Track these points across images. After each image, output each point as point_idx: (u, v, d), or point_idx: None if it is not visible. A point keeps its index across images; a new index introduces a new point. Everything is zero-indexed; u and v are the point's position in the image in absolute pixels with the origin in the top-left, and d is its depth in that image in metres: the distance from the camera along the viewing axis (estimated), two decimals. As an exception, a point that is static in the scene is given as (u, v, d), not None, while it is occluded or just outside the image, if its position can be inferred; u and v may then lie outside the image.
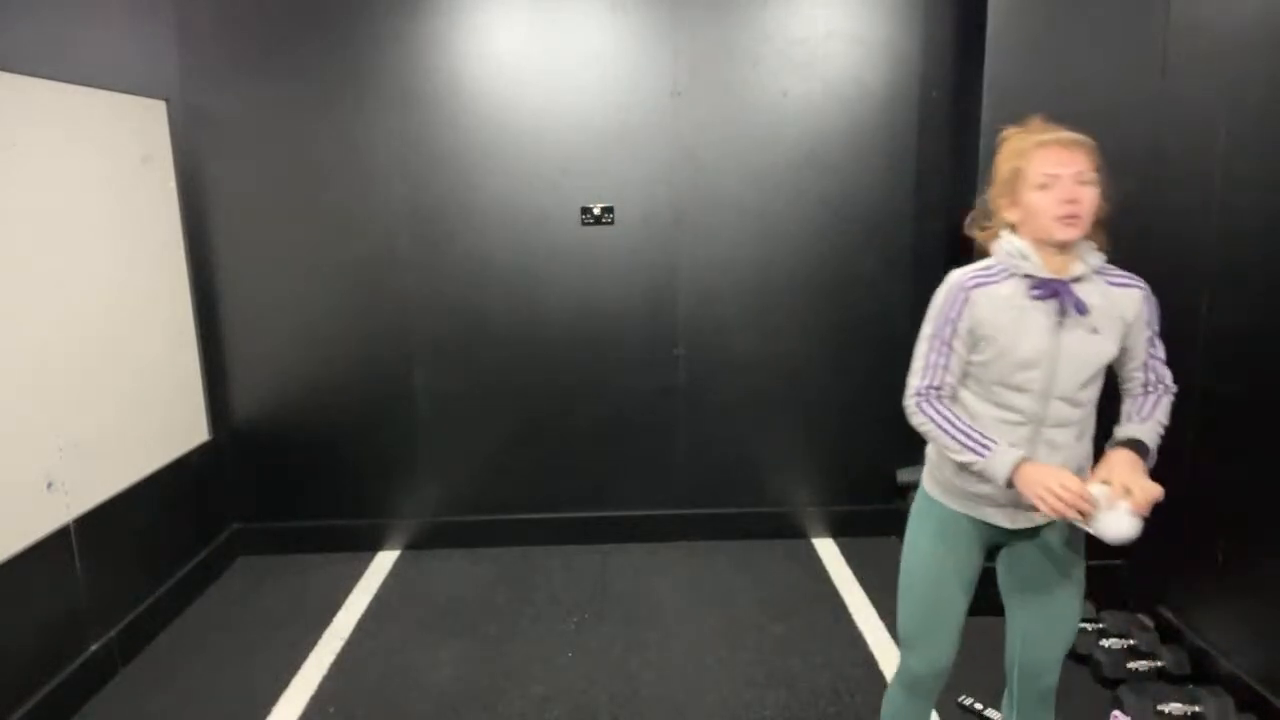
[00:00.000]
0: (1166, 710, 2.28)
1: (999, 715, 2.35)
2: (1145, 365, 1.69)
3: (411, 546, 3.55)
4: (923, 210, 3.32)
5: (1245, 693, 2.29)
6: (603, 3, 3.19)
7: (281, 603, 3.12)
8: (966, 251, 2.80)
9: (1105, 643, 2.59)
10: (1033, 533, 1.71)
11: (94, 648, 2.58)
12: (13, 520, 2.30)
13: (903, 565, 1.79)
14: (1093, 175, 1.56)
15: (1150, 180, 2.67)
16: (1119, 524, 1.45)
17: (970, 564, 1.75)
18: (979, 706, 2.39)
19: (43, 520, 2.41)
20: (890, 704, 1.88)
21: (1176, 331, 2.59)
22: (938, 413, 1.61)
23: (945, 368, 1.63)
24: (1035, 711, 1.82)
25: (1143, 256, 2.70)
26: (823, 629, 2.87)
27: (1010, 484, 1.53)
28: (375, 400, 3.42)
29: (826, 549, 3.49)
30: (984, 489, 1.64)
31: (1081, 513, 1.45)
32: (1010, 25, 2.63)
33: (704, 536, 3.54)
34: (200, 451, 3.25)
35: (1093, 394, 1.63)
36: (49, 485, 2.42)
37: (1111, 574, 2.90)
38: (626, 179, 3.30)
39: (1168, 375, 1.72)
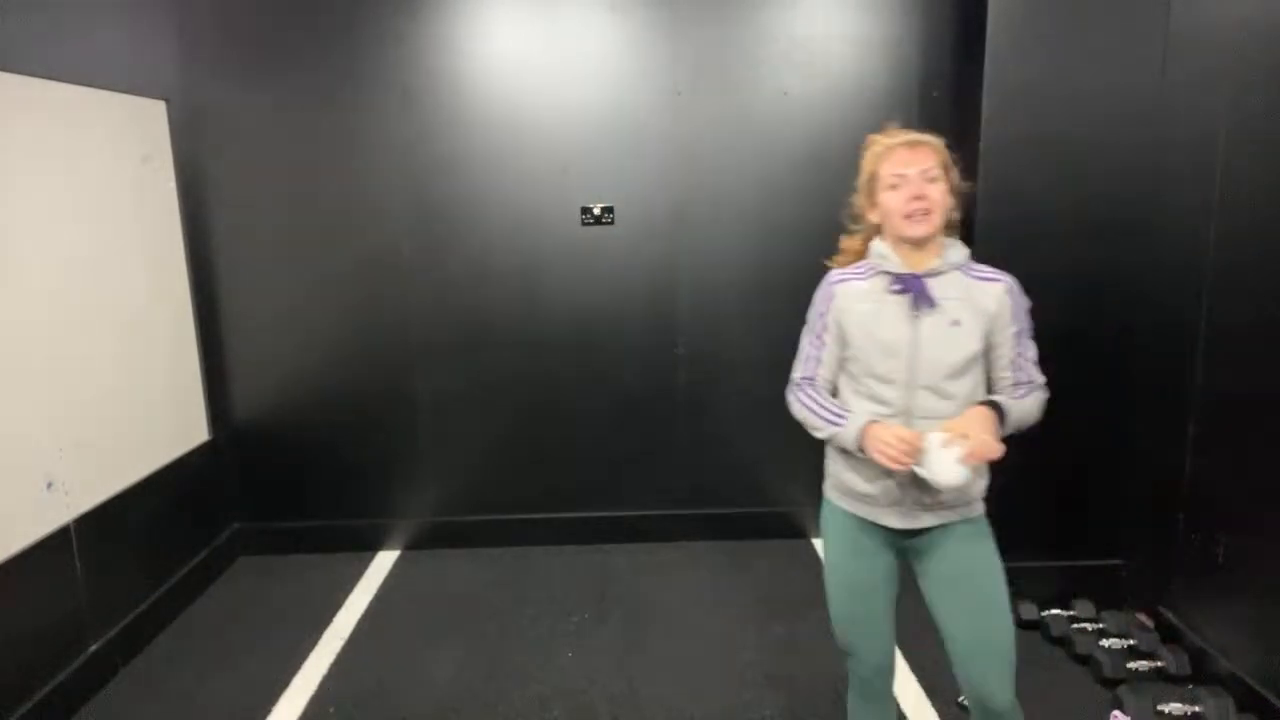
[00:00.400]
0: (1166, 710, 2.28)
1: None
2: (1014, 364, 1.71)
3: (411, 546, 3.55)
4: (923, 210, 3.32)
5: (1245, 693, 2.29)
6: (603, 3, 3.19)
7: (281, 603, 3.12)
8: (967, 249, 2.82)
9: (1105, 643, 2.59)
10: (935, 538, 1.72)
11: (94, 648, 2.58)
12: (13, 520, 2.30)
13: (824, 581, 1.82)
14: (939, 172, 1.64)
15: (1150, 180, 2.67)
16: (945, 467, 1.51)
17: (881, 564, 1.75)
18: (979, 706, 2.38)
19: (43, 520, 2.41)
20: (852, 714, 1.90)
21: (1177, 331, 2.60)
22: (806, 395, 1.75)
23: (818, 360, 1.76)
24: None
25: (1143, 256, 2.72)
26: (823, 629, 2.85)
27: (863, 450, 1.61)
28: (375, 400, 3.42)
29: (826, 549, 3.49)
30: (871, 488, 1.69)
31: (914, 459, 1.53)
32: (1010, 25, 2.63)
33: (704, 536, 3.54)
34: (200, 451, 3.25)
35: (964, 389, 1.65)
36: (49, 485, 2.42)
37: (1111, 574, 2.90)
38: (627, 179, 3.29)
39: (1040, 377, 1.74)
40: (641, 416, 3.47)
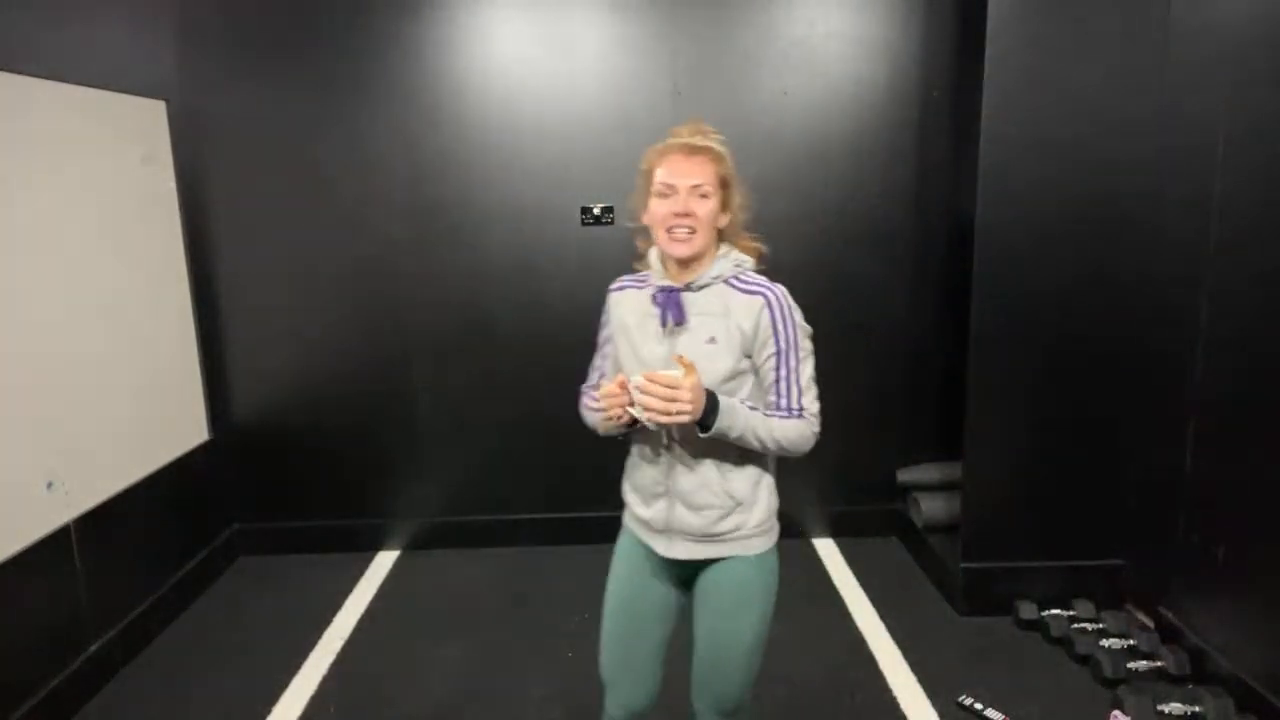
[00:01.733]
0: (1166, 710, 2.28)
1: (999, 715, 2.34)
2: (777, 388, 1.52)
3: (411, 546, 3.55)
4: (923, 210, 3.32)
5: (1245, 693, 2.29)
6: (603, 3, 3.19)
7: (281, 603, 3.12)
8: (967, 249, 2.82)
9: (1105, 643, 2.59)
10: (711, 573, 1.60)
11: (94, 648, 2.58)
12: (13, 520, 2.30)
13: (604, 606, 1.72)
14: (712, 189, 1.50)
15: (1151, 180, 2.67)
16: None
17: (658, 594, 1.65)
18: (979, 706, 2.39)
19: (43, 520, 2.41)
20: None
21: (1177, 331, 2.60)
22: (587, 396, 1.67)
23: (601, 371, 1.70)
24: None
25: (1143, 256, 2.72)
26: (823, 629, 2.87)
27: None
28: (375, 400, 3.42)
29: (826, 549, 3.49)
30: (645, 513, 1.62)
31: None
32: (1010, 25, 2.63)
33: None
34: (200, 451, 3.25)
35: None
36: (49, 485, 2.42)
37: (1111, 574, 2.90)
38: (627, 179, 3.26)
39: (810, 406, 1.53)
40: (641, 416, 3.46)
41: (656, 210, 1.52)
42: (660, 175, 1.52)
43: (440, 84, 3.22)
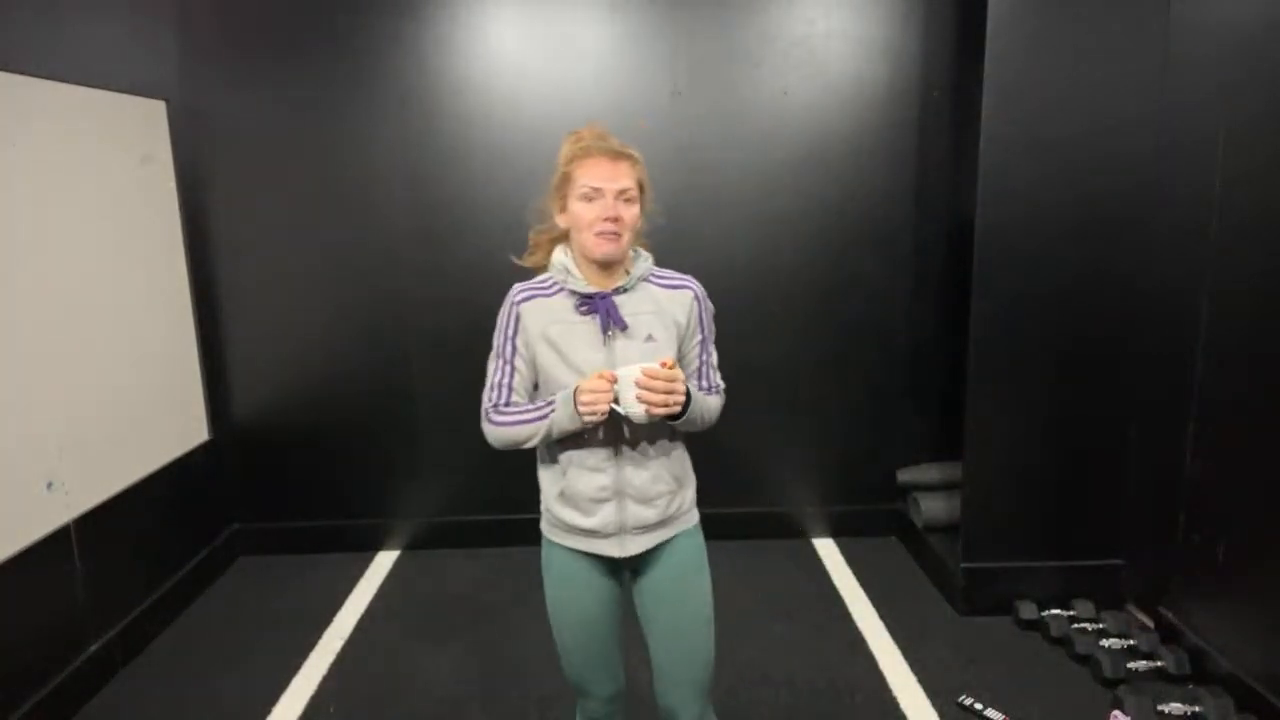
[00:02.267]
0: (1166, 710, 2.28)
1: (999, 715, 2.34)
2: (700, 372, 1.66)
3: (411, 546, 3.55)
4: (923, 210, 3.32)
5: (1245, 693, 2.29)
6: (603, 3, 3.19)
7: (281, 603, 3.12)
8: (967, 249, 2.82)
9: (1105, 643, 2.59)
10: (652, 555, 1.65)
11: (94, 648, 2.58)
12: (13, 520, 2.30)
13: (550, 619, 1.73)
14: (636, 193, 1.54)
15: (1150, 180, 2.67)
16: (630, 398, 1.45)
17: (607, 595, 1.67)
18: (979, 706, 2.39)
19: (43, 520, 2.41)
20: None
21: (1177, 331, 2.60)
22: (502, 415, 1.61)
23: (509, 386, 1.63)
24: None
25: (1143, 256, 2.72)
26: (823, 629, 2.87)
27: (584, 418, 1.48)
28: (375, 400, 3.42)
29: (826, 549, 3.49)
30: (591, 521, 1.59)
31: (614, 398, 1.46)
32: (1010, 25, 2.63)
33: (703, 536, 3.53)
34: (200, 451, 3.25)
35: None
36: (49, 485, 2.42)
37: (1111, 574, 2.91)
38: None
39: (721, 384, 1.71)
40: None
41: (582, 213, 1.53)
42: (584, 178, 1.52)
43: (440, 83, 3.22)
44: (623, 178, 1.52)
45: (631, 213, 1.54)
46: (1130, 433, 2.82)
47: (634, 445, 1.57)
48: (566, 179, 1.56)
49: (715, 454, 3.57)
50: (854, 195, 3.31)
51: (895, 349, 3.44)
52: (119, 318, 2.78)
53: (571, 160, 1.57)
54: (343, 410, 3.42)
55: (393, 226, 3.31)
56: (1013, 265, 2.75)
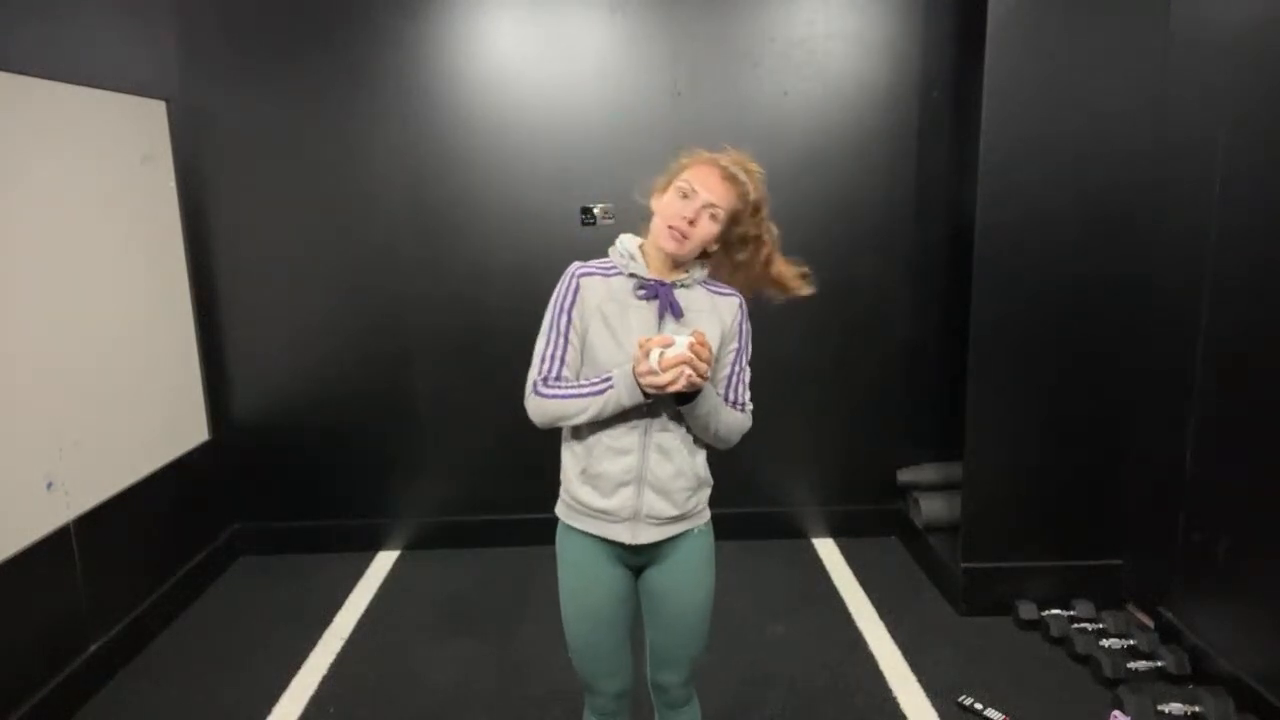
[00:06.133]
0: (1166, 710, 2.28)
1: (999, 715, 2.34)
2: (729, 382, 1.67)
3: (411, 546, 3.55)
4: (923, 210, 3.32)
5: (1245, 693, 2.29)
6: (603, 3, 3.19)
7: (281, 603, 3.12)
8: (967, 249, 2.82)
9: (1105, 643, 2.60)
10: (663, 550, 1.67)
11: (94, 648, 2.58)
12: (13, 520, 2.30)
13: (561, 609, 1.72)
14: (724, 216, 1.56)
15: (1150, 180, 2.67)
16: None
17: (619, 586, 1.68)
18: (979, 706, 2.39)
19: (43, 520, 2.41)
20: None
21: (1177, 330, 2.60)
22: (552, 389, 1.58)
23: (561, 359, 1.60)
24: None
25: (1143, 256, 2.72)
26: (823, 629, 2.87)
27: (646, 393, 1.48)
28: (375, 400, 3.42)
29: (826, 549, 3.49)
30: (608, 502, 1.60)
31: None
32: (1010, 25, 2.63)
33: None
34: (200, 451, 3.25)
35: None
36: (49, 485, 2.42)
37: (1111, 574, 2.91)
38: (626, 179, 3.27)
39: (749, 404, 1.70)
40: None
41: (670, 205, 1.57)
42: (690, 177, 1.57)
43: (440, 84, 3.22)
44: (720, 195, 1.55)
45: (708, 228, 1.56)
46: (1130, 433, 2.82)
47: (661, 433, 1.60)
48: (680, 169, 1.61)
49: (715, 454, 3.57)
50: (854, 195, 3.31)
51: (895, 349, 3.44)
52: (119, 317, 2.78)
53: (695, 160, 1.61)
54: (343, 410, 3.42)
55: (393, 226, 3.31)
56: (1013, 265, 2.75)
